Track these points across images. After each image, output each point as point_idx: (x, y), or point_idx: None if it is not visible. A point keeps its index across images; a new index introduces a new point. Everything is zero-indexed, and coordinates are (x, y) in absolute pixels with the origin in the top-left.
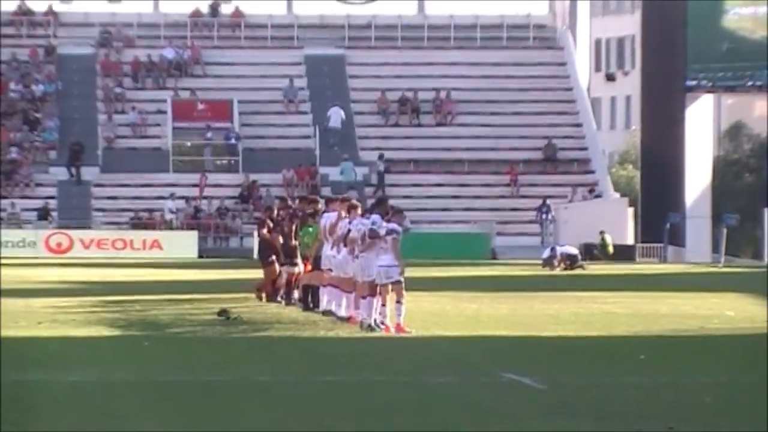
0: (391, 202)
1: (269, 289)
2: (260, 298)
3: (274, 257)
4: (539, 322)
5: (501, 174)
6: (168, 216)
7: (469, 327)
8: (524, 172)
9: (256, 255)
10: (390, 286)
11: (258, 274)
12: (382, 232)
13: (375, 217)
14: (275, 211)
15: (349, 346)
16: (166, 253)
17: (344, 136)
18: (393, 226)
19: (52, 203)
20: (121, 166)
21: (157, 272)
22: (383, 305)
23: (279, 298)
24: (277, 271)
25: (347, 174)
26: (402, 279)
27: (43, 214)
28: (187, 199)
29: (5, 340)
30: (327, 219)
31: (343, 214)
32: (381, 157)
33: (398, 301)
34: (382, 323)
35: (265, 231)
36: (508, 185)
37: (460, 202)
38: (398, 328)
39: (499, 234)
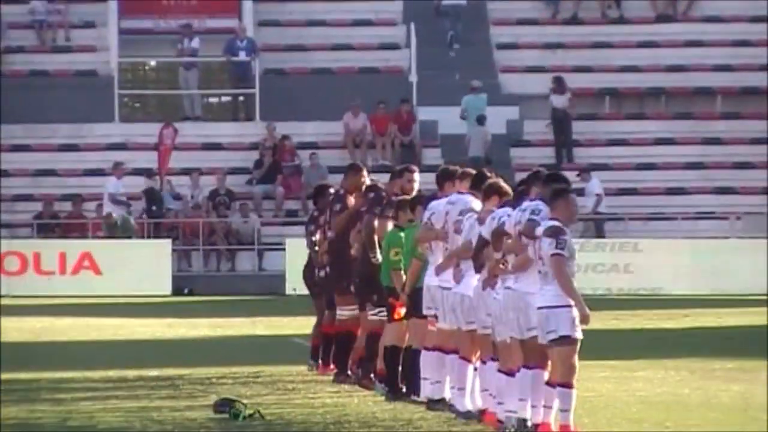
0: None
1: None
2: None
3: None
4: None
5: None
6: (111, 210)
7: None
8: None
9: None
10: (555, 350)
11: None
12: (539, 231)
13: (537, 204)
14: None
15: None
16: (105, 279)
17: (465, 48)
18: (554, 224)
19: None
20: (13, 112)
21: (92, 321)
22: (550, 385)
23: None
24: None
25: (473, 118)
26: (579, 335)
27: None
28: (150, 174)
29: None
30: (436, 211)
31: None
32: (558, 83)
33: (562, 383)
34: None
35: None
36: None
37: (710, 174)
38: (563, 429)
39: None
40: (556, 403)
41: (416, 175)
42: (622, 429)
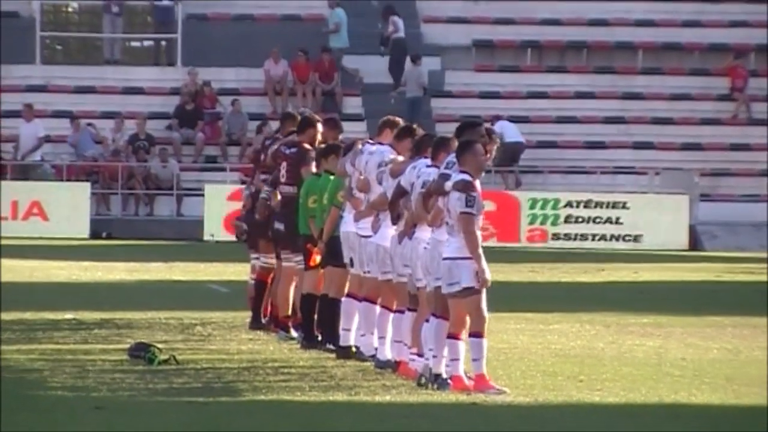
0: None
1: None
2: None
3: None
4: None
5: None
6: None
7: None
8: None
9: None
10: (462, 301)
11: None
12: (449, 185)
13: (453, 156)
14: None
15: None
16: (22, 222)
17: None
18: (464, 179)
19: None
20: None
21: (7, 263)
22: (452, 337)
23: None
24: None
25: (342, 32)
26: (477, 285)
27: None
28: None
29: None
30: (357, 161)
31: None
32: (385, 11)
33: (472, 333)
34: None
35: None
36: None
37: (629, 129)
38: (478, 380)
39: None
40: (462, 355)
41: (319, 126)
42: (536, 381)
